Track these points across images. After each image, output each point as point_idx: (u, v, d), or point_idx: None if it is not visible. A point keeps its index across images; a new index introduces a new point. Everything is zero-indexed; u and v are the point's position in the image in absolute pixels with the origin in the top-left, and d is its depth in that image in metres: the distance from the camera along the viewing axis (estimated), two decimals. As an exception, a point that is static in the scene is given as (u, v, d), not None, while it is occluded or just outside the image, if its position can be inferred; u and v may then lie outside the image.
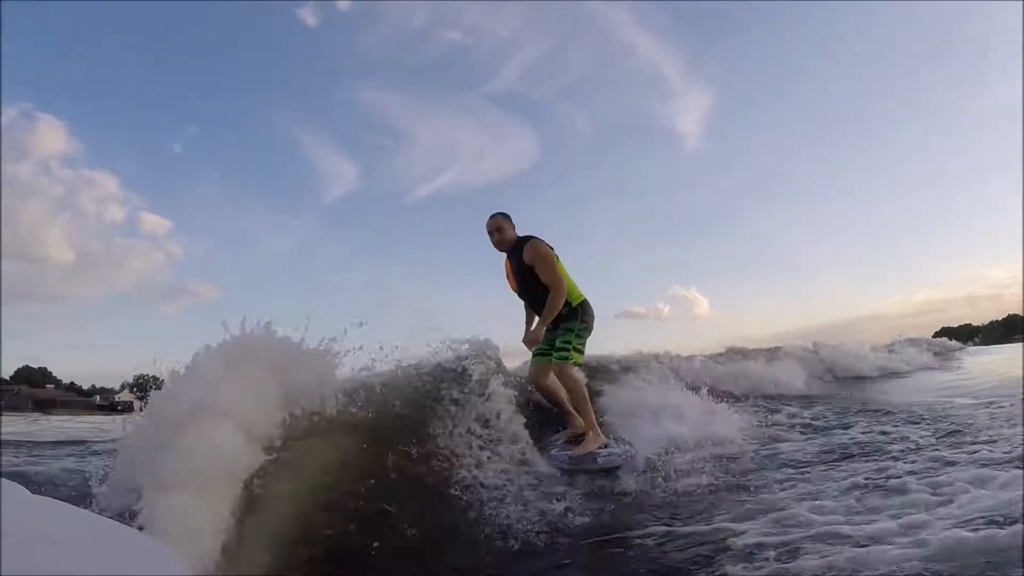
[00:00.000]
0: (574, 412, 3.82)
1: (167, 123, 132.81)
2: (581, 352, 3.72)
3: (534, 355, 3.94)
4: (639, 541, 2.44)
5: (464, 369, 4.33)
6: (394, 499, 2.62)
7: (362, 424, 3.12)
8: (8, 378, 65.27)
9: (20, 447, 4.78)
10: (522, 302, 4.13)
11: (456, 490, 2.92)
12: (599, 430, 3.68)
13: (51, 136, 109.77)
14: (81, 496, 2.40)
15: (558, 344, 3.70)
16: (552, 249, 3.78)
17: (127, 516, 1.89)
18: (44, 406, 45.91)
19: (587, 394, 3.78)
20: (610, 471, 3.43)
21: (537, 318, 3.74)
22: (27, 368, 70.47)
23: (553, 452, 3.61)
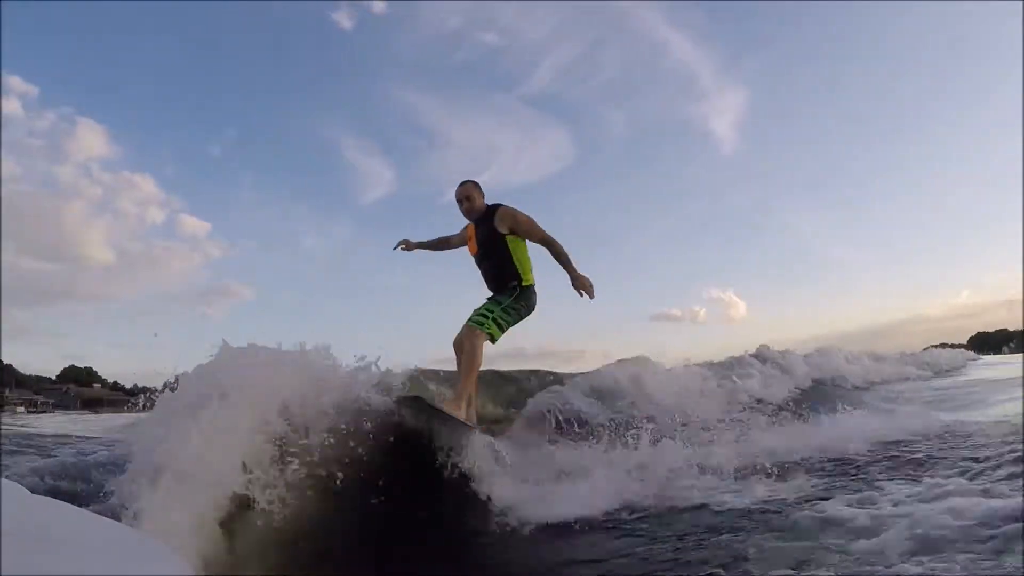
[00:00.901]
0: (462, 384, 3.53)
1: (205, 127, 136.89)
2: (499, 326, 3.55)
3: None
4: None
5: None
6: (397, 501, 2.58)
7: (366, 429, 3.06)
8: (55, 377, 67.88)
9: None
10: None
11: (460, 495, 2.86)
12: (463, 407, 3.36)
13: (91, 139, 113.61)
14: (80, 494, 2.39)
15: (480, 310, 3.59)
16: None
17: (121, 513, 1.87)
18: (92, 405, 47.51)
19: (475, 368, 3.49)
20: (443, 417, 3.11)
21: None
22: (73, 368, 73.13)
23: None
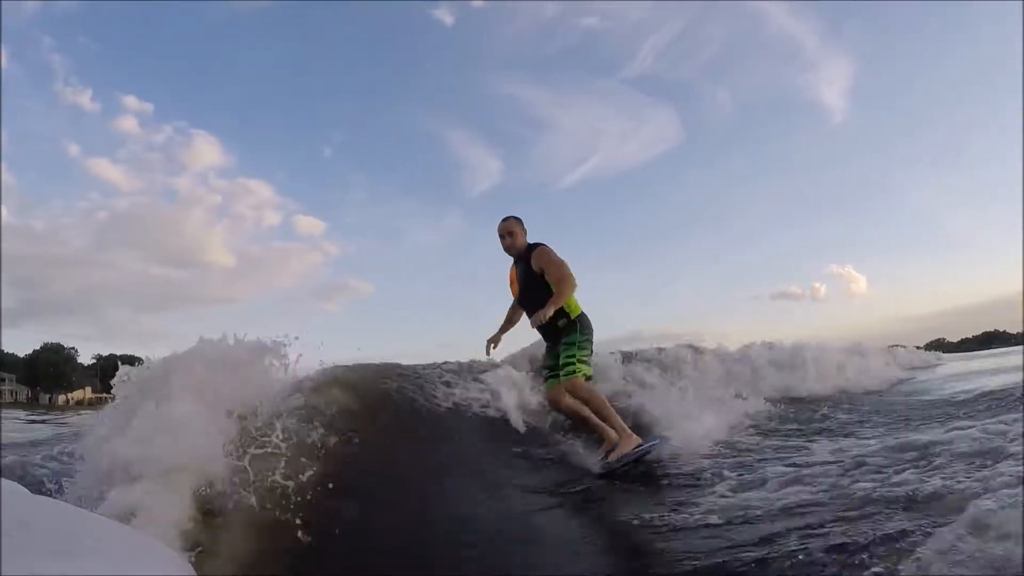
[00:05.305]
0: (603, 425, 3.56)
1: (315, 129, 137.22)
2: (587, 364, 3.52)
3: (547, 379, 3.75)
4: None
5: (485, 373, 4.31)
6: (387, 497, 2.51)
7: (359, 422, 3.00)
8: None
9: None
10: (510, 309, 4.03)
11: (457, 490, 2.80)
12: (630, 432, 3.46)
13: (206, 150, 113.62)
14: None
15: (562, 361, 3.50)
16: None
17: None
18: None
19: (606, 401, 3.55)
20: (638, 461, 3.32)
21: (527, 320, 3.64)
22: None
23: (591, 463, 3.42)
